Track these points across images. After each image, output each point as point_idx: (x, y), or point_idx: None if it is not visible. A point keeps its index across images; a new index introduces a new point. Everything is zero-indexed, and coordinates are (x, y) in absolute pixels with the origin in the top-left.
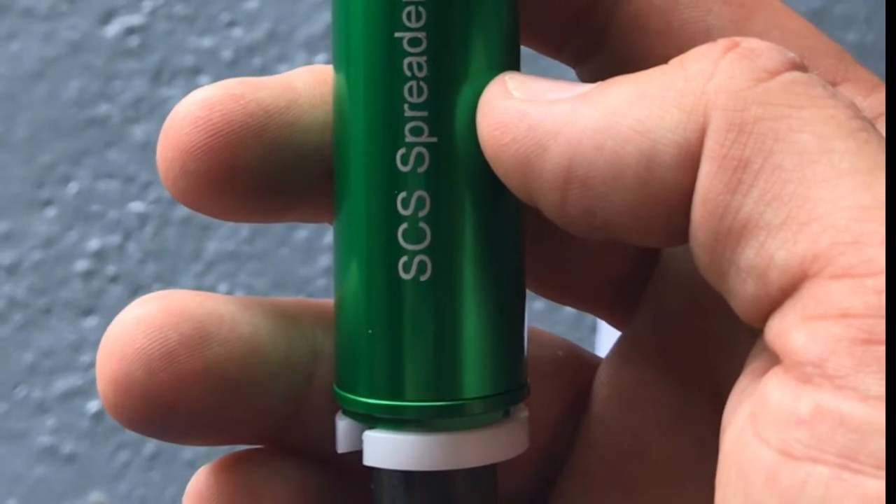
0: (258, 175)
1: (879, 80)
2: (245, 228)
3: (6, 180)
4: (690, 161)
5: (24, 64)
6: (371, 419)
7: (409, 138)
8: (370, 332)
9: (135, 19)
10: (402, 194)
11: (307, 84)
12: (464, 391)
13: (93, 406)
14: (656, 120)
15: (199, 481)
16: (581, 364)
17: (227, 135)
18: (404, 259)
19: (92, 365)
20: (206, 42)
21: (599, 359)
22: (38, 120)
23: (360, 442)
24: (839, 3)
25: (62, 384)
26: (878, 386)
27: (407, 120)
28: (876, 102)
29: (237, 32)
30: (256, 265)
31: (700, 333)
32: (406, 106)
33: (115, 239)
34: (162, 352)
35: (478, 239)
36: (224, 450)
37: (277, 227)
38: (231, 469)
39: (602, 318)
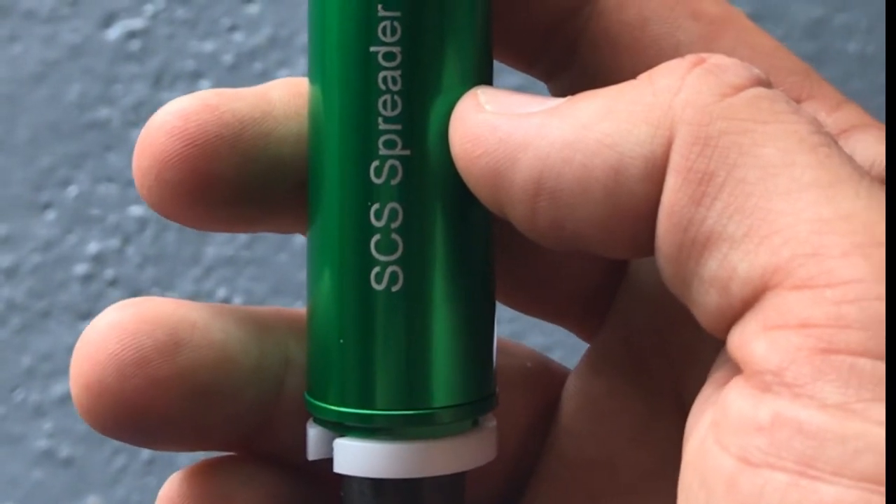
0: (232, 185)
1: (844, 98)
2: (244, 234)
3: (5, 183)
4: (657, 174)
5: (24, 66)
6: (341, 427)
7: (382, 151)
8: (341, 341)
9: (136, 23)
10: (376, 206)
11: (282, 96)
12: (433, 400)
13: None
14: (624, 133)
15: (170, 487)
16: (550, 375)
17: (201, 145)
18: (376, 269)
19: None
20: (208, 46)
21: (568, 370)
22: (38, 123)
23: (331, 449)
24: (840, 12)
25: (60, 388)
26: (836, 394)
27: (381, 133)
28: (840, 119)
29: (238, 37)
30: (255, 270)
31: (666, 345)
32: (380, 119)
33: (114, 243)
34: (134, 357)
35: (449, 250)
36: (205, 457)
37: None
38: (202, 475)
39: (570, 329)
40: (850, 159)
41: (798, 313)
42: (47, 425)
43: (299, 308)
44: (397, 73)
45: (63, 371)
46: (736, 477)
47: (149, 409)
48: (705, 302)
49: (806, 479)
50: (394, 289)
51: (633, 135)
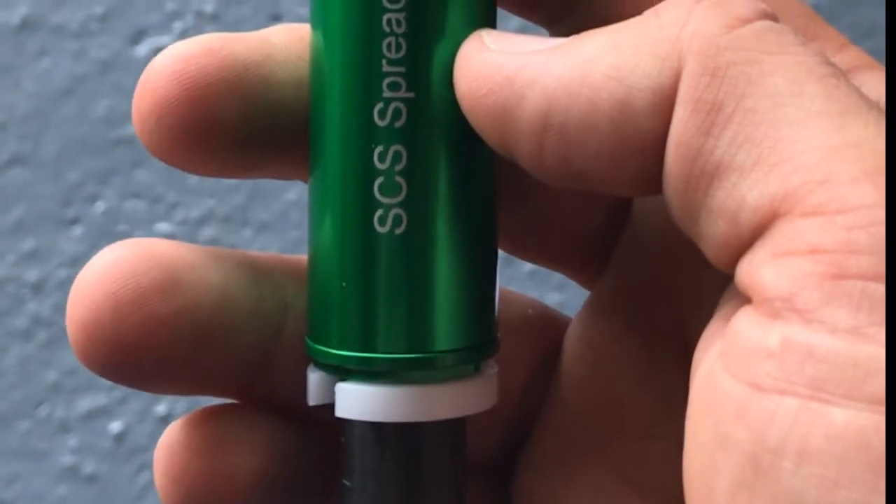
0: (233, 129)
1: (847, 41)
2: (274, 247)
3: (33, 198)
4: (665, 106)
5: (53, 81)
6: (343, 371)
7: (386, 93)
8: (344, 284)
9: (165, 40)
10: (379, 148)
11: (284, 40)
12: (435, 344)
13: (115, 426)
14: (631, 67)
15: (169, 435)
16: (551, 323)
17: (202, 88)
18: (380, 212)
19: (115, 386)
20: None
21: (569, 318)
22: (66, 138)
23: (332, 394)
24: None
25: (85, 403)
26: (848, 318)
27: (385, 75)
28: (845, 60)
29: None
30: None
31: (670, 289)
32: (384, 61)
33: None
34: (132, 296)
35: (453, 193)
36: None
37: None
38: (202, 423)
39: (570, 276)
40: (857, 90)
41: (808, 239)
42: (72, 441)
43: (300, 255)
44: (402, 16)
45: (89, 387)
46: (746, 403)
47: (146, 348)
48: (713, 233)
49: (817, 403)
50: (397, 231)
51: (640, 67)
